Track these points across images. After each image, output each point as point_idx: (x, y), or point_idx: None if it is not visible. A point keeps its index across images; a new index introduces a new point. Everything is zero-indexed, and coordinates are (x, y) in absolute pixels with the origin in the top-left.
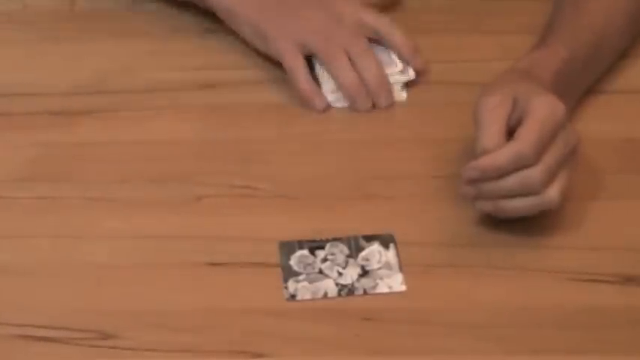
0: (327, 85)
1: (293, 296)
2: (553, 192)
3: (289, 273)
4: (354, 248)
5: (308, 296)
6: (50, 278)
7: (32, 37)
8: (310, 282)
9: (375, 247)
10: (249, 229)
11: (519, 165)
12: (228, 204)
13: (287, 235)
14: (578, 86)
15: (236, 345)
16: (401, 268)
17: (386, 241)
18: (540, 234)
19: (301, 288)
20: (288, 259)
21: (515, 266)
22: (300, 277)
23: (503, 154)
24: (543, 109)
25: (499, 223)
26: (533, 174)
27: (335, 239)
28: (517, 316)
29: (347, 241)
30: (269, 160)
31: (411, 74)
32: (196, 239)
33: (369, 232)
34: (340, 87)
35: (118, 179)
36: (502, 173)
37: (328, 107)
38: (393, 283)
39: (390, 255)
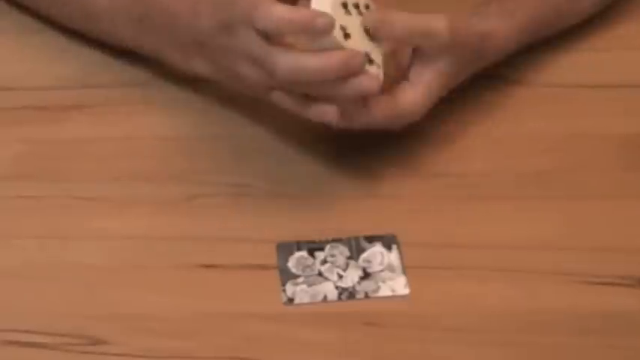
0: None
1: (291, 300)
2: None
3: (287, 275)
4: (355, 249)
5: (307, 300)
6: (36, 281)
7: (15, 28)
8: (309, 285)
9: (377, 248)
10: (245, 230)
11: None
12: (222, 203)
13: (285, 235)
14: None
15: (231, 351)
16: (404, 271)
17: (388, 242)
18: (549, 235)
19: (300, 291)
20: (286, 260)
21: (524, 268)
22: (299, 280)
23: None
24: (408, 101)
25: (507, 223)
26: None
27: (335, 240)
28: (526, 321)
29: (347, 242)
30: (265, 156)
31: None
32: (189, 240)
33: (370, 232)
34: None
35: (107, 177)
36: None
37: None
38: (396, 286)
39: (393, 256)
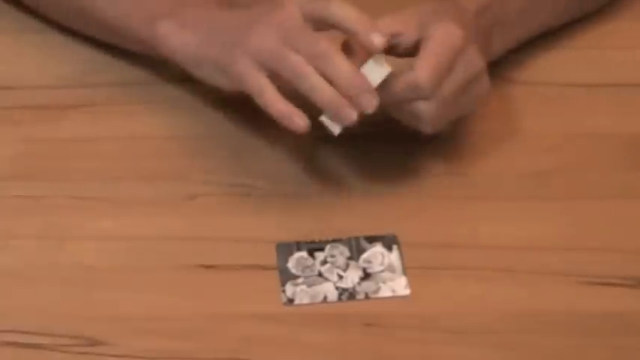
0: None
1: (291, 300)
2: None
3: (287, 276)
4: (356, 250)
5: (306, 300)
6: (35, 281)
7: (15, 27)
8: (309, 285)
9: (378, 248)
10: (245, 230)
11: (414, 95)
12: (222, 203)
13: (285, 235)
14: (515, 26)
15: (231, 352)
16: (405, 271)
17: (389, 243)
18: (550, 235)
19: (299, 292)
20: (286, 261)
21: (525, 269)
22: (299, 281)
23: (399, 84)
24: (440, 36)
25: (508, 223)
26: (427, 109)
27: (335, 240)
28: (527, 322)
29: (348, 242)
30: (265, 156)
31: (385, 69)
32: (189, 240)
33: (371, 232)
34: (322, 107)
35: (106, 177)
36: (395, 101)
37: (308, 127)
38: (397, 286)
39: (394, 257)
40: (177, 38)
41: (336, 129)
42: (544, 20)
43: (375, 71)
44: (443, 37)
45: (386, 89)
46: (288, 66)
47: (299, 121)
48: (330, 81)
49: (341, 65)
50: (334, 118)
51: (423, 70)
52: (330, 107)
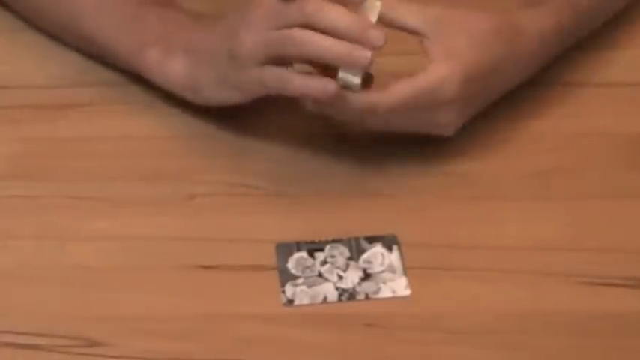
0: None
1: (290, 301)
2: None
3: (287, 276)
4: (356, 250)
5: (306, 301)
6: (33, 282)
7: (10, 26)
8: (309, 286)
9: (378, 248)
10: (245, 230)
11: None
12: (222, 203)
13: (284, 236)
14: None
15: (230, 353)
16: (405, 271)
17: (389, 243)
18: (552, 235)
19: (299, 292)
20: (286, 261)
21: (526, 269)
22: (298, 281)
23: (360, 99)
24: (432, 79)
25: (509, 223)
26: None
27: (335, 240)
28: (528, 323)
29: (348, 242)
30: (264, 156)
31: (378, 4)
32: (188, 240)
33: (371, 232)
34: (336, 62)
35: (104, 177)
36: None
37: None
38: (397, 287)
39: (394, 257)
40: (167, 67)
41: (356, 80)
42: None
43: (370, 9)
44: (433, 82)
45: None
46: (289, 43)
47: (332, 85)
48: (331, 34)
49: (335, 15)
50: (351, 64)
51: (389, 97)
52: (343, 57)
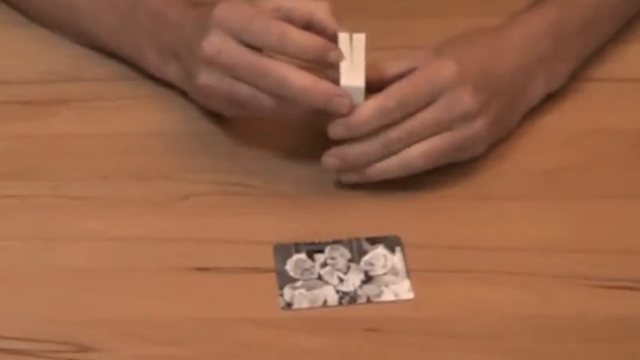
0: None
1: (289, 305)
2: (414, 151)
3: (285, 279)
4: (357, 251)
5: (306, 305)
6: (21, 284)
7: (2, 20)
8: (308, 289)
9: (380, 250)
10: (241, 231)
11: (384, 120)
12: (217, 203)
13: (282, 237)
14: (574, 49)
15: (225, 358)
16: (408, 274)
17: (392, 244)
18: (560, 236)
19: (298, 296)
20: (284, 263)
21: (533, 272)
22: (297, 284)
23: (367, 107)
24: (426, 68)
25: (515, 224)
26: (392, 132)
27: (335, 242)
28: (536, 327)
29: (349, 243)
30: (261, 154)
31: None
32: (183, 242)
33: (373, 233)
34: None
35: (95, 176)
36: (368, 129)
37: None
38: (400, 290)
39: (396, 259)
40: (165, 71)
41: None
42: (608, 30)
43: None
44: (428, 70)
45: (356, 116)
46: (265, 36)
47: (342, 100)
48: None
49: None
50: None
51: (391, 94)
52: (316, 50)
